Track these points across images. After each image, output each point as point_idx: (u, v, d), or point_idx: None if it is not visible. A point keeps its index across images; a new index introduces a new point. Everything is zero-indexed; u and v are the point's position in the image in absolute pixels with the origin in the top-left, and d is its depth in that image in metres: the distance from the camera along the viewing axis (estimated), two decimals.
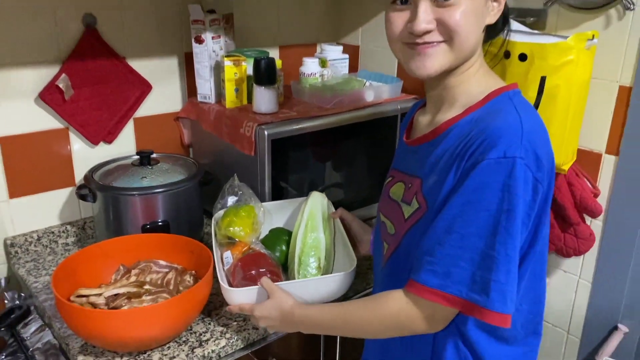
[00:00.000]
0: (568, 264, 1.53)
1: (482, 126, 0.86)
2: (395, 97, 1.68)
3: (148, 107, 1.64)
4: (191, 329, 1.21)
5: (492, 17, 0.92)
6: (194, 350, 1.14)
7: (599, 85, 1.36)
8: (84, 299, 1.16)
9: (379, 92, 1.66)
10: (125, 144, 1.62)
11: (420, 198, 0.92)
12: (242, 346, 1.20)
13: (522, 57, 1.28)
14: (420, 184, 0.93)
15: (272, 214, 1.43)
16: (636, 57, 1.29)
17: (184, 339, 1.18)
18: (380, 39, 0.96)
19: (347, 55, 1.86)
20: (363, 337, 1.03)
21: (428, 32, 0.87)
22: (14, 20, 1.36)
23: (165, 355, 1.13)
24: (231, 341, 1.18)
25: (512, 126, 0.84)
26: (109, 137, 1.57)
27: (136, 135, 1.63)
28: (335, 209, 1.38)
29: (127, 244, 1.31)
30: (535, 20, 1.43)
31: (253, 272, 1.17)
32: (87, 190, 1.40)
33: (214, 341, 1.17)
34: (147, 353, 1.13)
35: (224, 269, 1.24)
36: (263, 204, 1.37)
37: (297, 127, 1.45)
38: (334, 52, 1.83)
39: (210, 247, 1.26)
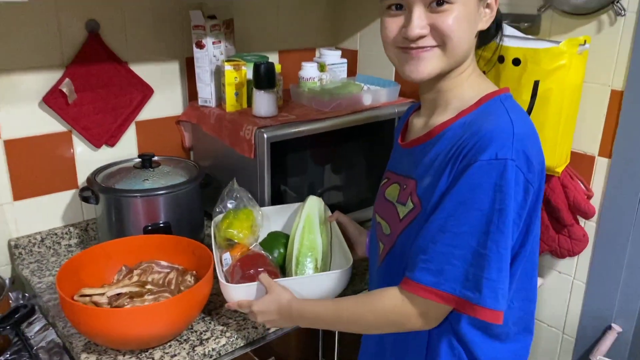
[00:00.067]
0: (562, 265, 1.56)
1: (475, 129, 0.88)
2: (393, 101, 1.71)
3: (150, 111, 1.66)
4: (192, 328, 1.23)
5: (485, 23, 0.95)
6: (195, 348, 1.17)
7: (591, 89, 1.39)
8: (87, 299, 1.18)
9: (376, 96, 1.68)
10: (127, 147, 1.64)
11: (415, 199, 0.95)
12: (242, 344, 1.23)
13: (516, 62, 1.31)
14: (415, 185, 0.95)
15: (270, 218, 1.46)
16: (627, 61, 1.31)
17: (185, 337, 1.20)
18: (378, 44, 0.98)
19: (345, 60, 1.88)
20: (358, 332, 1.05)
21: (422, 37, 0.89)
22: (19, 25, 1.38)
23: (167, 353, 1.15)
24: (231, 340, 1.20)
25: (503, 129, 0.86)
26: (112, 140, 1.60)
27: (138, 138, 1.66)
28: (334, 211, 1.41)
29: (130, 245, 1.33)
30: (530, 25, 1.46)
31: (251, 271, 1.20)
32: (89, 192, 1.42)
33: (215, 340, 1.19)
34: (149, 351, 1.15)
35: (222, 271, 1.26)
36: (261, 208, 1.39)
37: (296, 130, 1.47)
38: (332, 56, 1.85)
39: (211, 249, 1.29)
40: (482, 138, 0.86)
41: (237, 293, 1.17)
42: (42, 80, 1.45)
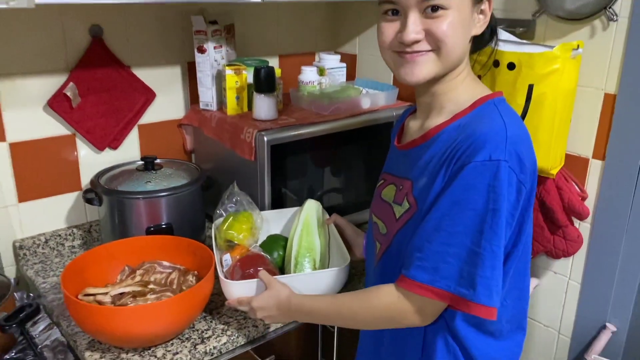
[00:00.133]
0: (558, 266, 1.58)
1: (469, 131, 0.91)
2: (391, 104, 1.73)
3: (152, 114, 1.69)
4: (194, 327, 1.25)
5: (479, 29, 0.97)
6: (197, 346, 1.19)
7: (585, 92, 1.41)
8: (91, 298, 1.21)
9: (375, 100, 1.70)
10: (130, 150, 1.66)
11: (411, 199, 0.97)
12: (242, 343, 1.25)
13: (511, 66, 1.33)
14: (411, 186, 0.98)
15: (270, 222, 1.48)
16: (620, 65, 1.34)
17: (186, 335, 1.22)
18: (377, 48, 1.01)
19: (344, 64, 1.90)
20: (355, 327, 1.07)
21: (417, 41, 0.92)
22: (24, 31, 1.41)
23: (169, 351, 1.17)
24: (232, 338, 1.23)
25: (497, 131, 0.89)
26: (115, 143, 1.62)
27: (140, 141, 1.68)
28: (333, 213, 1.43)
29: (132, 245, 1.35)
30: (525, 30, 1.49)
31: (251, 270, 1.22)
32: (93, 194, 1.44)
33: (216, 338, 1.22)
34: (152, 349, 1.18)
35: (223, 271, 1.28)
36: (261, 212, 1.42)
37: (296, 133, 1.49)
38: (331, 60, 1.87)
39: (212, 250, 1.31)
40: (476, 140, 0.88)
41: (237, 290, 1.19)
42: (47, 85, 1.47)
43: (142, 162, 1.54)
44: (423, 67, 0.93)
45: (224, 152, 1.60)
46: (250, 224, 1.36)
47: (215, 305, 1.32)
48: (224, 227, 1.35)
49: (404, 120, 1.11)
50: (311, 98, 1.67)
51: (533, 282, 1.61)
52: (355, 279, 1.43)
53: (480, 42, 1.04)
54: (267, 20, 1.89)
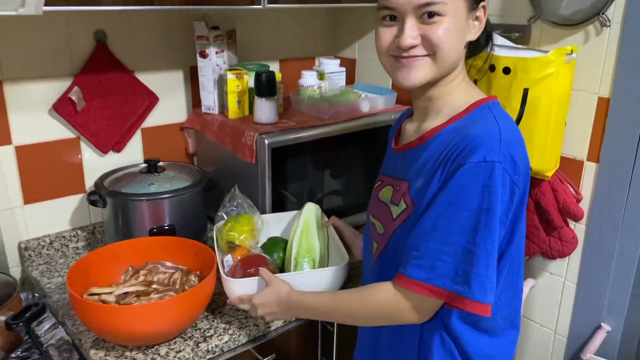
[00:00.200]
0: (554, 266, 1.60)
1: (465, 134, 0.93)
2: (390, 108, 1.76)
3: (155, 118, 1.71)
4: (196, 326, 1.28)
5: (474, 35, 1.00)
6: (199, 345, 1.21)
7: (579, 96, 1.44)
8: (95, 297, 1.23)
9: (374, 103, 1.73)
10: (133, 153, 1.69)
11: (408, 199, 1.00)
12: (244, 342, 1.27)
13: (506, 71, 1.36)
14: (408, 187, 1.00)
15: (270, 224, 1.50)
16: (613, 69, 1.37)
17: (189, 334, 1.25)
18: (376, 53, 1.04)
19: (344, 68, 1.92)
20: (354, 323, 1.09)
21: (413, 46, 0.94)
22: (31, 36, 1.44)
23: (172, 349, 1.20)
24: (234, 337, 1.25)
25: (491, 134, 0.92)
26: (118, 146, 1.65)
27: (144, 144, 1.71)
28: (333, 214, 1.45)
29: (136, 246, 1.38)
30: (520, 35, 1.51)
31: (252, 270, 1.24)
32: (97, 196, 1.47)
33: (218, 337, 1.24)
34: (155, 347, 1.20)
35: (224, 272, 1.31)
36: (261, 215, 1.44)
37: (296, 136, 1.51)
38: (331, 65, 1.89)
39: (214, 251, 1.33)
40: (472, 142, 0.91)
41: (239, 288, 1.21)
42: (52, 89, 1.50)
43: (145, 165, 1.56)
44: (419, 71, 0.96)
45: (225, 155, 1.62)
46: (251, 226, 1.38)
47: (217, 305, 1.35)
48: (225, 229, 1.37)
49: (401, 123, 1.14)
50: (311, 102, 1.69)
51: (529, 282, 1.63)
52: (354, 279, 1.45)
53: (475, 48, 1.07)
54: (268, 26, 1.92)
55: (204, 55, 1.63)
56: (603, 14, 1.34)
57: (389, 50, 0.98)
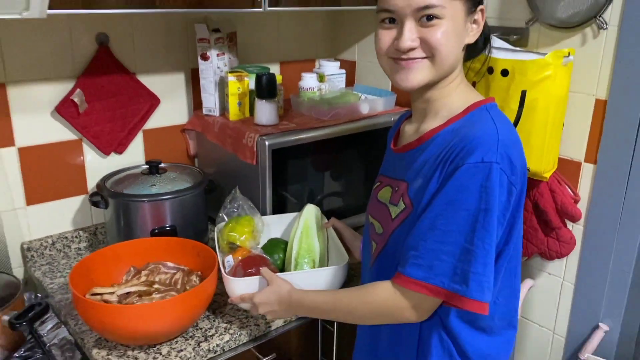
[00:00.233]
0: (552, 267, 1.62)
1: (462, 135, 0.95)
2: (389, 110, 1.77)
3: (156, 120, 1.73)
4: (197, 325, 1.29)
5: (472, 38, 1.02)
6: (200, 344, 1.22)
7: (577, 98, 1.45)
8: (98, 297, 1.24)
9: (373, 105, 1.74)
10: (135, 154, 1.70)
11: (407, 199, 1.01)
12: (244, 341, 1.28)
13: (504, 73, 1.38)
14: (407, 187, 1.02)
15: (270, 226, 1.52)
16: (610, 72, 1.38)
17: (190, 334, 1.26)
18: (375, 55, 1.05)
19: (344, 71, 1.94)
20: (353, 321, 1.10)
21: (412, 49, 0.96)
22: (33, 39, 1.45)
23: (174, 348, 1.21)
24: (234, 336, 1.26)
25: (489, 135, 0.93)
26: (120, 147, 1.66)
27: (145, 146, 1.72)
28: (332, 216, 1.47)
29: (138, 247, 1.39)
30: (519, 38, 1.53)
31: (253, 269, 1.25)
32: (99, 197, 1.48)
33: (219, 336, 1.25)
34: (157, 346, 1.21)
35: (225, 272, 1.32)
36: (262, 217, 1.45)
37: (296, 137, 1.53)
38: (331, 67, 1.90)
39: (215, 251, 1.35)
40: (470, 143, 0.92)
41: (240, 287, 1.22)
42: (55, 91, 1.51)
43: (147, 166, 1.57)
44: (417, 73, 0.97)
45: (226, 157, 1.64)
46: (252, 227, 1.40)
47: (219, 305, 1.36)
48: (226, 230, 1.38)
49: (400, 125, 1.15)
50: (311, 104, 1.70)
51: (528, 283, 1.65)
52: (354, 279, 1.46)
53: (473, 51, 1.08)
54: (269, 28, 1.93)
55: (205, 58, 1.64)
56: (600, 16, 1.36)
57: (388, 53, 0.99)
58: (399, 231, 1.02)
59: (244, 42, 1.85)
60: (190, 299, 1.20)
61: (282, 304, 1.14)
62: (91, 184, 1.64)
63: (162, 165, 1.58)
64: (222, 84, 1.67)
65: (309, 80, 1.78)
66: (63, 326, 1.32)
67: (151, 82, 1.68)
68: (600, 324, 1.53)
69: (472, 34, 1.01)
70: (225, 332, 1.27)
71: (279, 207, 1.57)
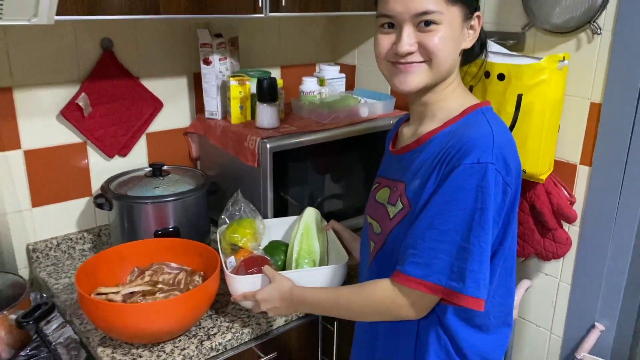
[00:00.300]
0: (549, 268, 1.64)
1: (459, 137, 0.97)
2: (389, 113, 1.79)
3: (159, 123, 1.75)
4: (200, 324, 1.31)
5: (468, 43, 1.04)
6: (203, 342, 1.25)
7: (572, 101, 1.48)
8: (102, 297, 1.27)
9: (373, 109, 1.76)
10: (138, 157, 1.73)
11: (405, 200, 1.03)
12: (246, 340, 1.31)
13: (501, 77, 1.40)
14: (405, 188, 1.04)
15: (271, 229, 1.54)
16: (605, 76, 1.41)
17: (193, 332, 1.28)
18: (374, 60, 1.08)
19: (344, 75, 1.96)
20: (352, 318, 1.13)
21: (410, 53, 0.98)
22: (39, 44, 1.48)
23: (177, 347, 1.23)
24: (236, 335, 1.28)
25: (484, 137, 0.95)
26: (124, 150, 1.69)
27: (148, 148, 1.74)
28: (333, 218, 1.49)
29: (141, 247, 1.41)
30: (515, 42, 1.56)
31: (255, 269, 1.27)
32: (103, 199, 1.50)
33: (221, 335, 1.28)
34: (161, 345, 1.23)
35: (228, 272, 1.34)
36: (263, 219, 1.47)
37: (297, 140, 1.55)
38: (331, 71, 1.93)
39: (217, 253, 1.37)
40: (466, 145, 0.95)
41: (242, 285, 1.24)
42: (60, 95, 1.54)
43: (150, 169, 1.60)
44: (415, 77, 1.00)
45: (228, 159, 1.66)
46: (253, 229, 1.42)
47: (221, 305, 1.38)
48: (228, 232, 1.40)
49: (399, 127, 1.18)
50: (312, 107, 1.73)
51: (525, 283, 1.67)
52: (354, 279, 1.48)
53: (470, 55, 1.11)
54: (270, 33, 1.95)
55: (207, 63, 1.67)
56: (594, 22, 1.38)
57: (387, 57, 1.02)
58: (396, 230, 1.04)
59: (246, 47, 1.88)
60: (193, 299, 1.22)
61: (284, 300, 1.17)
62: (95, 186, 1.66)
63: (165, 167, 1.61)
64: (224, 88, 1.69)
65: (309, 84, 1.81)
66: (68, 325, 1.34)
67: (154, 86, 1.71)
68: (596, 323, 1.55)
69: (469, 39, 1.04)
70: (227, 331, 1.29)
71: (280, 209, 1.59)
